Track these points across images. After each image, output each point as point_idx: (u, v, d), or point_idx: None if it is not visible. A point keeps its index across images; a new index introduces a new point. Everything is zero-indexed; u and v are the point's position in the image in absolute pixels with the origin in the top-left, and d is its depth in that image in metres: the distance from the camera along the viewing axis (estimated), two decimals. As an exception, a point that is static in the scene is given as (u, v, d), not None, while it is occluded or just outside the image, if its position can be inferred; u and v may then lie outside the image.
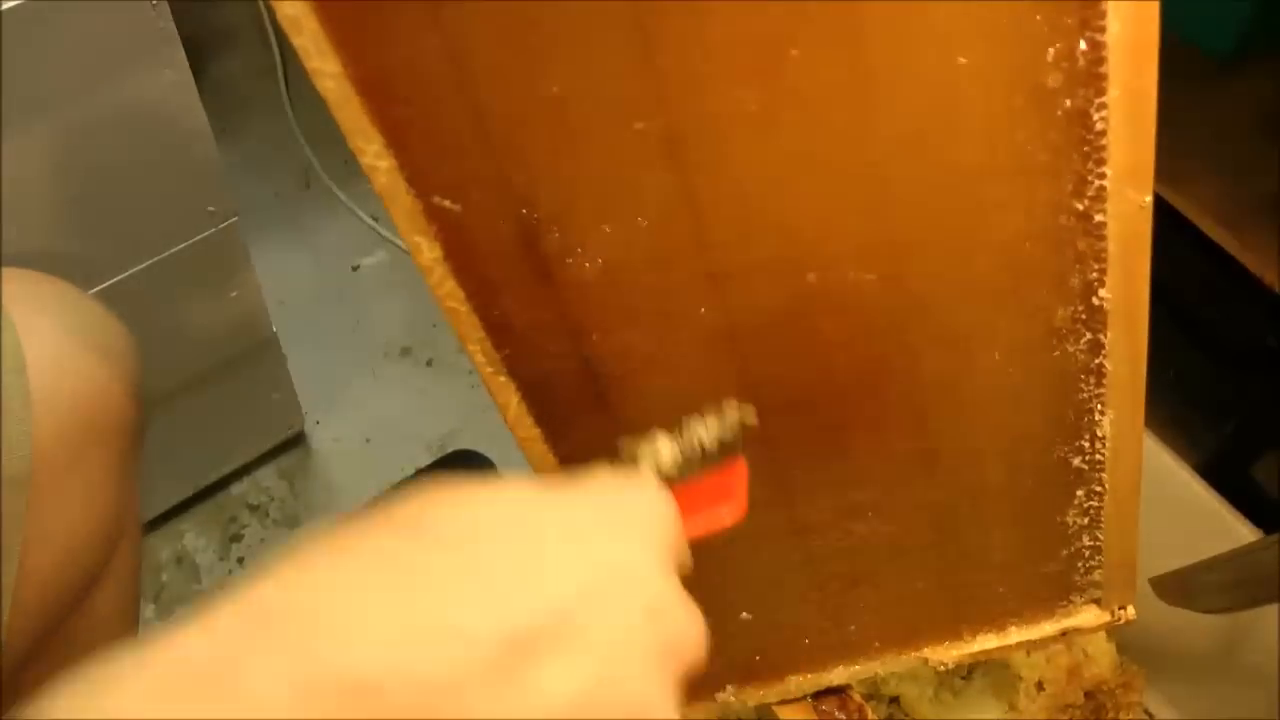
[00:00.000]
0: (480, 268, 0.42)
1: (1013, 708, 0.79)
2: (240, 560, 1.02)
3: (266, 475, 1.08)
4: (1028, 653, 0.81)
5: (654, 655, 0.28)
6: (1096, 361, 0.47)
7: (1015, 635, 0.59)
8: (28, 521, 0.47)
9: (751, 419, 0.45)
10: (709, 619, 0.52)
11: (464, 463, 1.07)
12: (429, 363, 1.16)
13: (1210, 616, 0.67)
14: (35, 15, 0.65)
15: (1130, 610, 0.58)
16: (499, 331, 0.44)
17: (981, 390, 0.48)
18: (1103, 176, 0.41)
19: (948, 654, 0.59)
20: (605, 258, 0.42)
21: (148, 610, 0.99)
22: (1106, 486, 0.52)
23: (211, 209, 0.83)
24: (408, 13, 0.35)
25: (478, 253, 0.42)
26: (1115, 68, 0.38)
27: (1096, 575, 0.57)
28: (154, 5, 0.70)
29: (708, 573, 0.53)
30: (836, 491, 0.52)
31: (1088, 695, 0.82)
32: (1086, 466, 0.51)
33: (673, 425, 0.43)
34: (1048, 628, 0.59)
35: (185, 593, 1.00)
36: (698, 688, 0.59)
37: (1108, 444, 0.50)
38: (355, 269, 1.23)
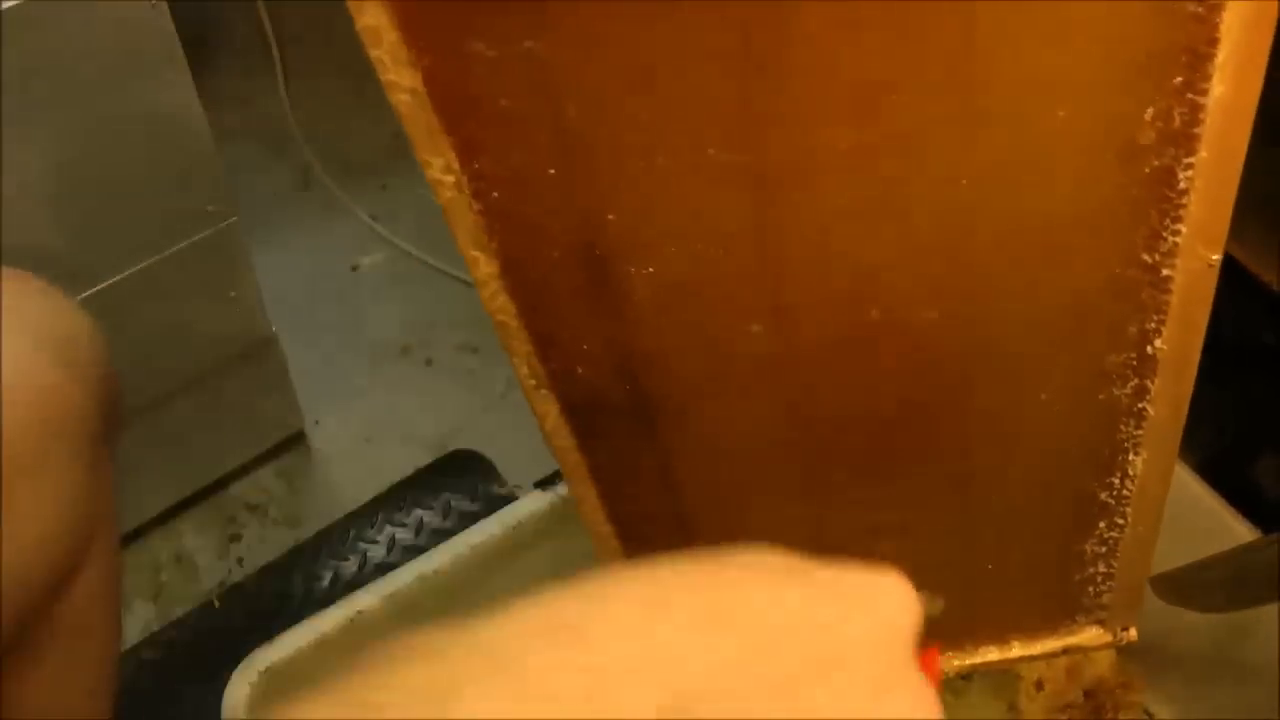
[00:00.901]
0: (536, 285, 0.41)
1: (1012, 708, 0.79)
2: (239, 560, 1.02)
3: (266, 475, 1.08)
4: (1028, 662, 0.81)
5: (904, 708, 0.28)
6: (1140, 406, 0.47)
7: (1017, 649, 0.59)
8: None
9: (938, 609, 0.45)
10: None
11: (464, 463, 1.07)
12: (429, 362, 1.16)
13: (1210, 616, 0.67)
14: (35, 16, 0.65)
15: (1132, 632, 0.58)
16: (547, 347, 0.44)
17: (1025, 425, 0.48)
18: (1177, 234, 0.40)
19: (949, 663, 0.59)
20: (666, 283, 0.41)
21: (147, 610, 0.99)
22: (1129, 520, 0.52)
23: (211, 209, 0.83)
24: (497, 24, 0.34)
25: (537, 271, 0.41)
26: (1210, 129, 0.37)
27: (1105, 599, 0.57)
28: (154, 5, 0.70)
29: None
30: (867, 512, 0.52)
31: (1087, 695, 0.82)
32: (1113, 501, 0.51)
33: None
34: (1050, 644, 0.59)
35: (185, 592, 1.00)
36: None
37: (1136, 482, 0.50)
38: (355, 269, 1.23)
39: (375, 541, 1.02)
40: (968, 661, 0.59)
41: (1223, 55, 0.35)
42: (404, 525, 1.03)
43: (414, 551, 0.95)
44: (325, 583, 0.99)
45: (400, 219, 1.25)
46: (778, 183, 0.38)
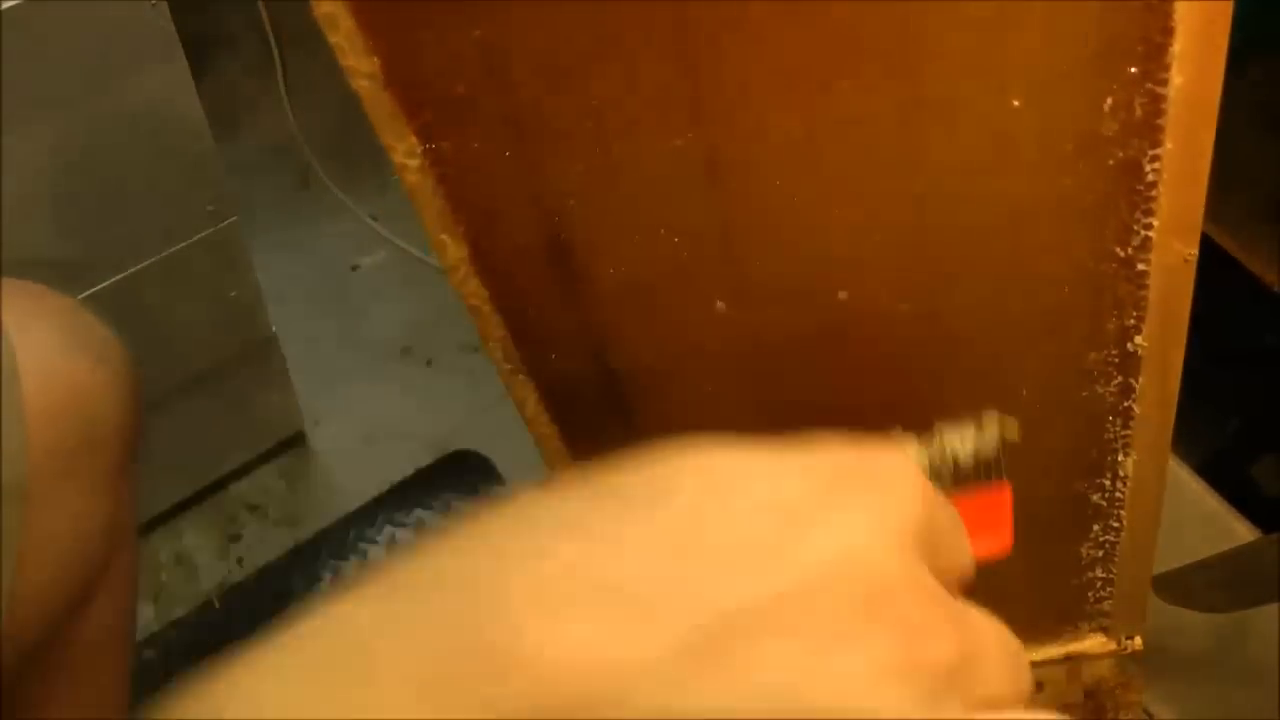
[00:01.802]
0: (505, 270, 0.42)
1: (1012, 708, 0.79)
2: (239, 560, 1.02)
3: (266, 475, 1.08)
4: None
5: (877, 651, 0.23)
6: (1126, 404, 0.47)
7: None
8: (24, 531, 0.47)
9: (1014, 434, 0.42)
10: None
11: (464, 463, 1.07)
12: (429, 363, 1.16)
13: (1210, 616, 0.67)
14: (35, 15, 0.65)
15: (1138, 640, 0.58)
16: (520, 332, 0.44)
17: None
18: (1149, 227, 0.40)
19: None
20: (630, 270, 0.42)
21: (147, 610, 0.99)
22: (1124, 523, 0.52)
23: (211, 209, 0.83)
24: (447, 12, 0.35)
25: (503, 255, 0.42)
26: (1173, 121, 0.37)
27: (1106, 606, 0.57)
28: (154, 5, 0.70)
29: None
30: None
31: (1087, 695, 0.81)
32: (1105, 503, 0.51)
33: (923, 431, 0.41)
34: (1052, 650, 0.59)
35: (185, 592, 1.00)
36: None
37: (1129, 483, 0.50)
38: (355, 269, 1.23)
39: (375, 541, 1.02)
40: None
41: (1179, 45, 0.35)
42: (404, 525, 1.03)
43: (414, 551, 0.95)
44: (325, 583, 0.99)
45: (400, 219, 1.25)
46: (730, 169, 0.39)
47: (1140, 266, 0.42)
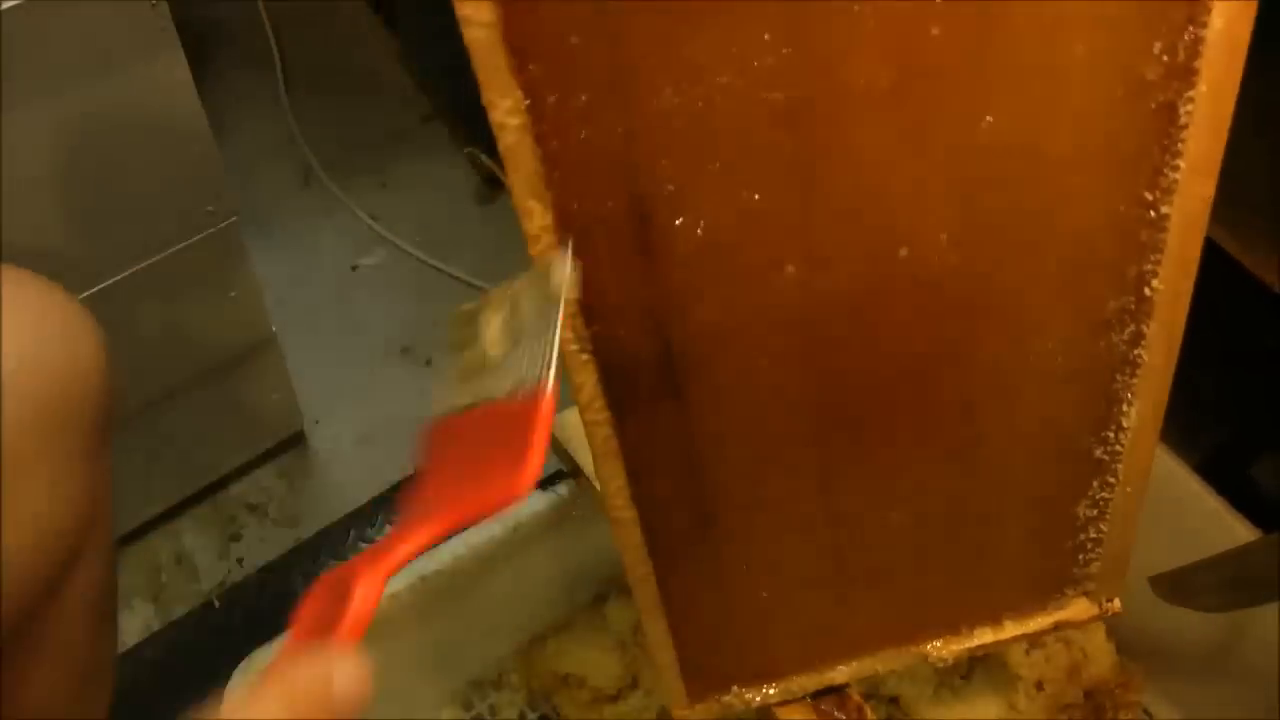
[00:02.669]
0: (587, 237, 0.42)
1: (1012, 707, 0.79)
2: (239, 560, 1.02)
3: (266, 475, 1.08)
4: (1026, 651, 0.81)
5: None
6: (1135, 353, 0.48)
7: (1010, 629, 0.60)
8: (0, 509, 0.48)
9: (574, 292, 0.41)
10: (729, 605, 0.52)
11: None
12: (428, 362, 1.16)
13: (1210, 616, 0.67)
14: (35, 15, 0.65)
15: (1117, 603, 0.59)
16: (591, 306, 0.44)
17: (1028, 379, 0.49)
18: (1176, 169, 0.42)
19: (947, 649, 0.60)
20: (711, 229, 0.42)
21: (147, 610, 0.99)
22: (1119, 478, 0.53)
23: (211, 209, 0.83)
24: None
25: (588, 221, 0.42)
26: (1209, 63, 0.40)
27: (1093, 568, 0.58)
28: (154, 4, 0.70)
29: (732, 561, 0.54)
30: (877, 479, 0.52)
31: (1087, 695, 0.82)
32: (1107, 457, 0.52)
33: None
34: (1041, 620, 0.60)
35: (185, 592, 1.00)
36: (703, 689, 0.59)
37: (1129, 435, 0.51)
38: (355, 269, 1.23)
39: (375, 541, 1.02)
40: (964, 645, 0.60)
41: None
42: (404, 525, 1.03)
43: (414, 551, 0.95)
44: (325, 583, 0.99)
45: (400, 219, 1.25)
46: (820, 121, 0.40)
47: (1164, 210, 0.43)
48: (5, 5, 0.64)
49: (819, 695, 0.61)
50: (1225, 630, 0.75)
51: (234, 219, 0.85)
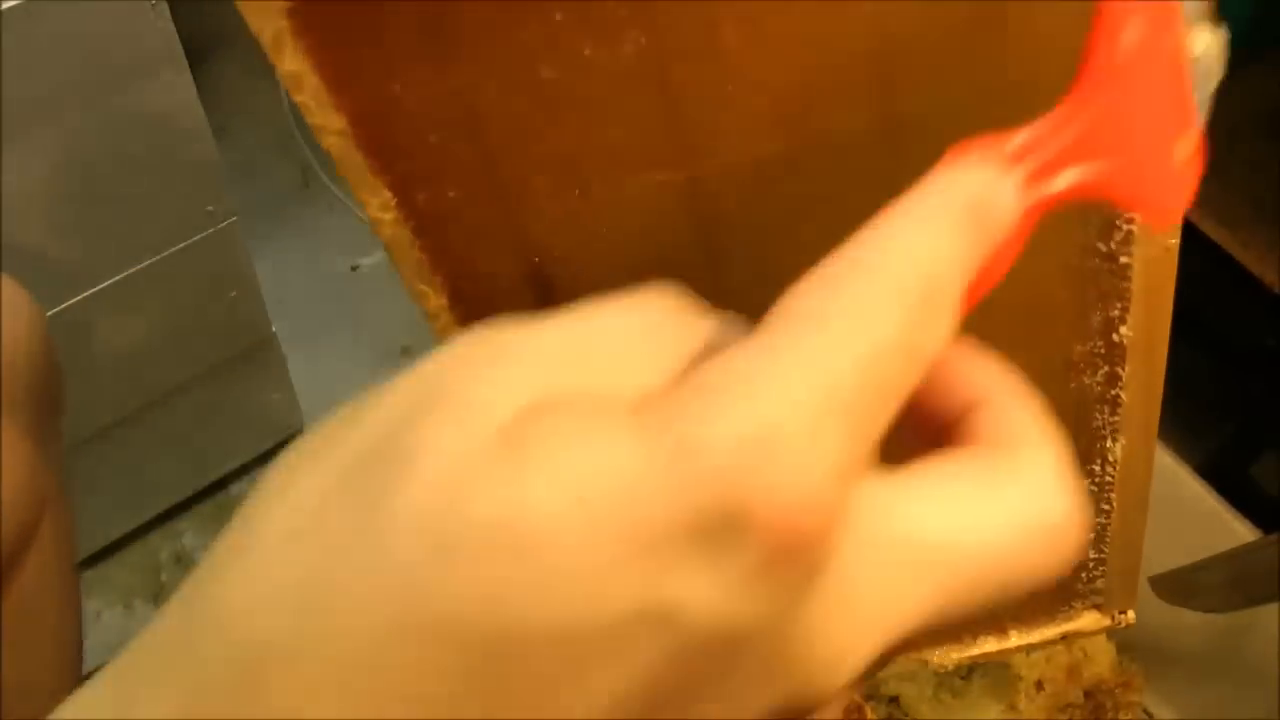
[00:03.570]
0: (489, 311, 0.41)
1: (1012, 707, 0.79)
2: (240, 560, 1.02)
3: (266, 475, 1.08)
4: (1027, 653, 0.81)
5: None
6: (1113, 393, 0.47)
7: (1015, 639, 0.59)
8: None
9: None
10: None
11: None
12: (429, 363, 1.16)
13: (1210, 616, 0.67)
14: (35, 15, 0.65)
15: (1130, 615, 0.59)
16: None
17: None
18: (1130, 221, 0.41)
19: (948, 656, 0.59)
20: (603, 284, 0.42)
21: (147, 610, 0.99)
22: (1114, 506, 0.52)
23: (211, 209, 0.83)
24: (416, 64, 0.35)
25: (484, 300, 0.41)
26: None
27: (1099, 584, 0.57)
28: (154, 5, 0.70)
29: None
30: None
31: (1087, 695, 0.82)
32: (1096, 489, 0.52)
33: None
34: (1048, 631, 0.59)
35: (185, 593, 1.00)
36: None
37: (1118, 467, 0.51)
38: (355, 269, 1.23)
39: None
40: (967, 654, 0.59)
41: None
42: (404, 525, 1.03)
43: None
44: (325, 583, 0.99)
45: (400, 219, 1.25)
46: (712, 198, 0.39)
47: (1123, 260, 0.42)
48: (5, 5, 0.64)
49: (819, 695, 0.61)
50: (1225, 630, 0.75)
51: (234, 219, 0.85)
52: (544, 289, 0.41)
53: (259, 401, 1.02)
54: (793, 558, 0.18)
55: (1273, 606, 0.66)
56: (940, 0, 0.35)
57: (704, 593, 0.18)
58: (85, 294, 0.80)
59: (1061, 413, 0.48)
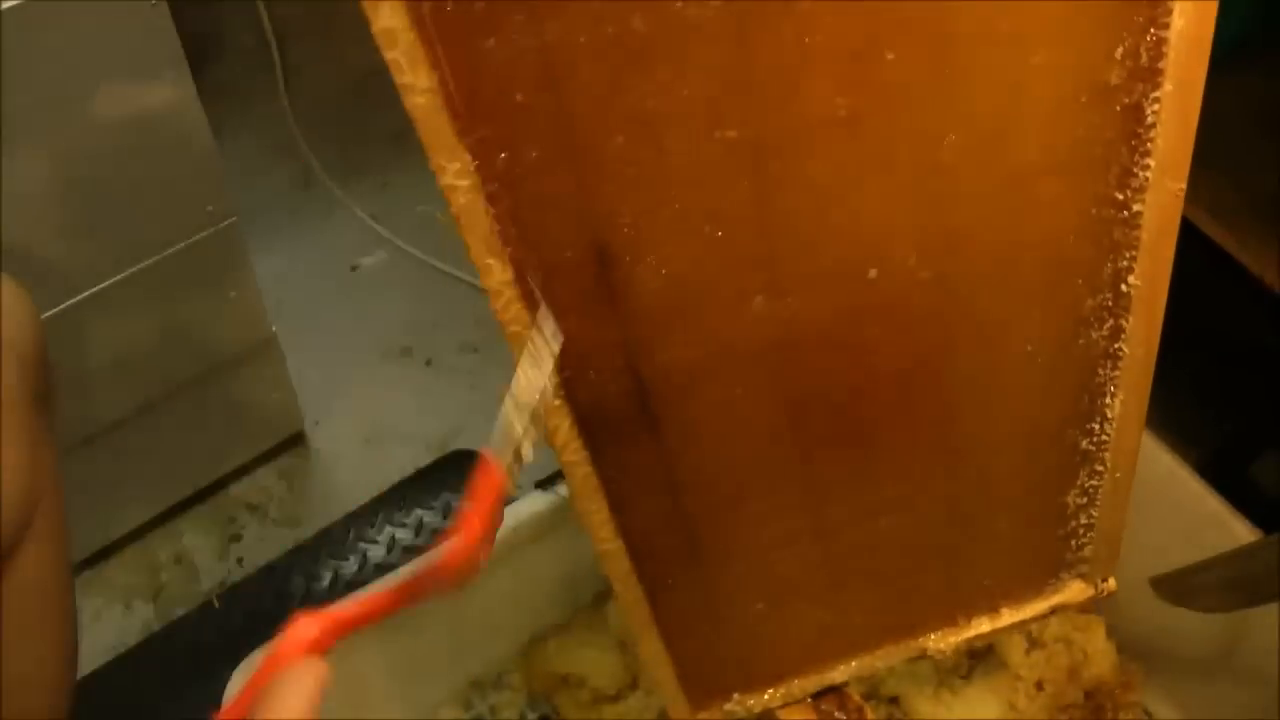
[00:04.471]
0: (550, 288, 0.41)
1: (1012, 708, 0.79)
2: (239, 560, 1.02)
3: (266, 475, 1.08)
4: (1027, 651, 0.81)
5: None
6: (1116, 346, 0.49)
7: (1007, 617, 0.60)
8: None
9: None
10: (724, 621, 0.52)
11: (464, 463, 1.07)
12: (429, 363, 1.16)
13: (1210, 616, 0.67)
14: (35, 15, 0.65)
15: (1111, 582, 0.60)
16: (561, 352, 0.43)
17: (1008, 380, 0.49)
18: (1146, 168, 0.42)
19: (945, 641, 0.60)
20: (674, 269, 0.42)
21: (147, 610, 0.99)
22: (1108, 466, 0.53)
23: (211, 209, 0.83)
24: (510, 23, 0.35)
25: (549, 272, 0.41)
26: (1173, 63, 0.39)
27: (1087, 551, 0.58)
28: (154, 5, 0.70)
29: (722, 579, 0.53)
30: (863, 491, 0.52)
31: (1087, 695, 0.82)
32: (1094, 448, 0.53)
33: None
34: (1038, 606, 0.60)
35: (184, 592, 1.00)
36: (704, 697, 0.59)
37: (1114, 425, 0.51)
38: (355, 269, 1.23)
39: (375, 541, 1.02)
40: (962, 636, 0.60)
41: None
42: (404, 525, 1.03)
43: (414, 551, 0.96)
44: (325, 583, 0.99)
45: (400, 219, 1.25)
46: (777, 154, 0.39)
47: (1136, 208, 0.43)
48: (5, 5, 0.64)
49: (819, 695, 0.61)
50: (1225, 630, 0.75)
51: (234, 219, 0.85)
52: (604, 263, 0.41)
53: (259, 401, 1.02)
54: None
55: (1273, 606, 0.66)
56: None
57: None
58: (85, 294, 0.80)
59: (1068, 369, 0.49)
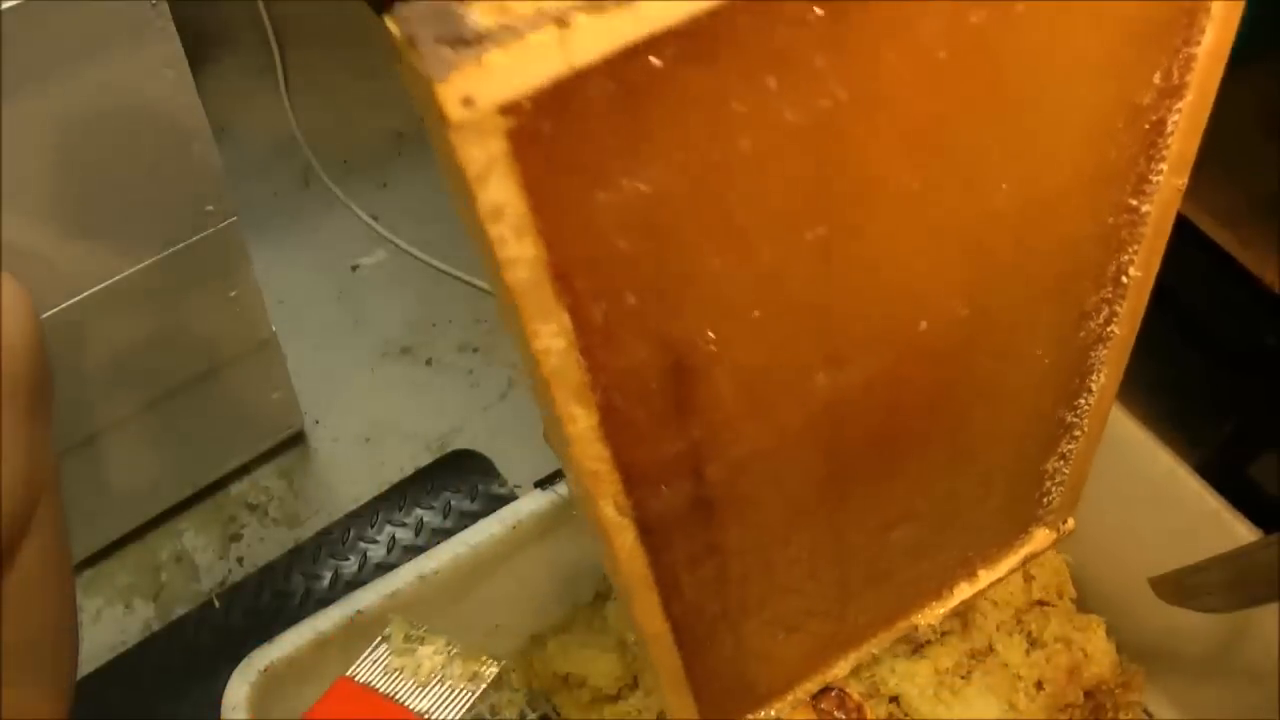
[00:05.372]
0: (631, 423, 0.39)
1: (1012, 707, 0.79)
2: (239, 560, 1.02)
3: (266, 475, 1.08)
4: (1027, 651, 0.81)
5: None
6: (1109, 329, 0.49)
7: (985, 578, 0.61)
8: None
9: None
10: (748, 657, 0.49)
11: (464, 463, 1.07)
12: (429, 362, 1.16)
13: (1210, 616, 0.67)
14: (34, 15, 0.65)
15: (1070, 523, 0.61)
16: (633, 478, 0.41)
17: (1016, 382, 0.49)
18: (1160, 173, 0.42)
19: (933, 614, 0.60)
20: (747, 367, 0.40)
21: (147, 610, 0.99)
22: (1084, 430, 0.54)
23: (211, 209, 0.83)
24: (620, 171, 0.32)
25: (632, 407, 0.38)
26: (1198, 76, 0.39)
27: (1054, 503, 0.59)
28: (153, 4, 0.70)
29: (755, 622, 0.53)
30: (883, 512, 0.52)
31: (1087, 695, 0.82)
32: (1076, 419, 0.54)
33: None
34: (1011, 561, 0.61)
35: (184, 592, 1.00)
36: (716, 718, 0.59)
37: (1095, 396, 0.53)
38: (355, 269, 1.23)
39: (375, 541, 1.02)
40: (947, 606, 0.60)
41: (1215, 6, 0.38)
42: (404, 525, 1.03)
43: (414, 551, 0.95)
44: (325, 583, 0.99)
45: (400, 219, 1.25)
46: (855, 237, 0.38)
47: (1145, 209, 0.44)
48: (4, 5, 0.64)
49: (818, 695, 0.61)
50: (1225, 630, 0.75)
51: (234, 219, 0.85)
52: (680, 379, 0.39)
53: (259, 401, 1.02)
54: None
55: (1273, 606, 0.66)
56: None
57: None
58: (85, 294, 0.80)
59: (1069, 359, 0.49)
